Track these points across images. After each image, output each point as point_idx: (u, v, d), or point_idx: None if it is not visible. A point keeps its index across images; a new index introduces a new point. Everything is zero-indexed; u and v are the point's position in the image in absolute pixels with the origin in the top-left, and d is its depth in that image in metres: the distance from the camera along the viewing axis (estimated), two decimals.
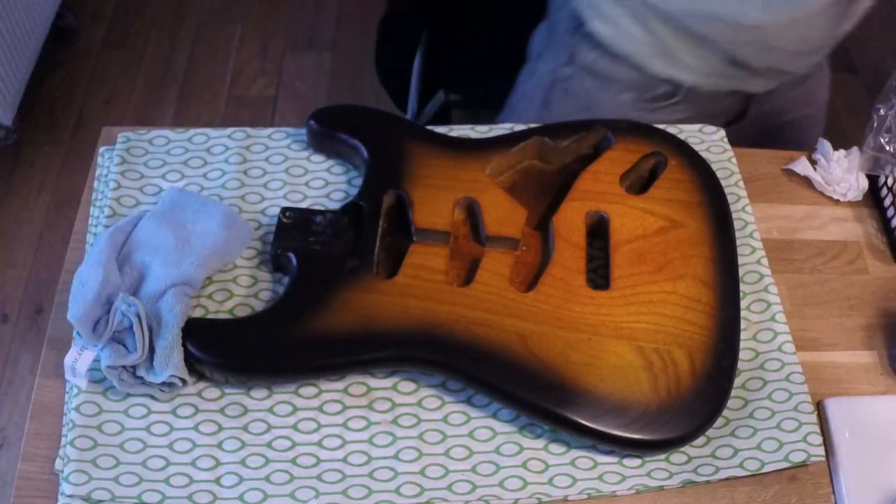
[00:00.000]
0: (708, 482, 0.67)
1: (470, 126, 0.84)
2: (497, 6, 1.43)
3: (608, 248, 0.73)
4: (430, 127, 0.81)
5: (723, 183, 0.80)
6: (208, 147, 0.80)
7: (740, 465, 0.67)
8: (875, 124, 0.85)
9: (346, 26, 2.12)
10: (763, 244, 0.80)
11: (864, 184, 0.86)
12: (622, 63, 0.91)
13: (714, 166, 0.81)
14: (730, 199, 0.79)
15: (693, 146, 0.82)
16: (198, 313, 0.70)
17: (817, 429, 0.69)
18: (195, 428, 0.65)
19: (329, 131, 0.79)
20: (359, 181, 0.78)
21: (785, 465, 0.67)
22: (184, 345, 0.64)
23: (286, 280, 0.71)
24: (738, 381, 0.71)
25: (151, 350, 0.64)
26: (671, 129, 0.85)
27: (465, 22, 1.41)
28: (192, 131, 0.81)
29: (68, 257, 0.74)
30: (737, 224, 0.79)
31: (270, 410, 0.66)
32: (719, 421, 0.68)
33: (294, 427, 0.66)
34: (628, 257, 0.72)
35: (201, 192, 0.77)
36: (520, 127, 0.82)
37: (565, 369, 0.65)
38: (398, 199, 0.74)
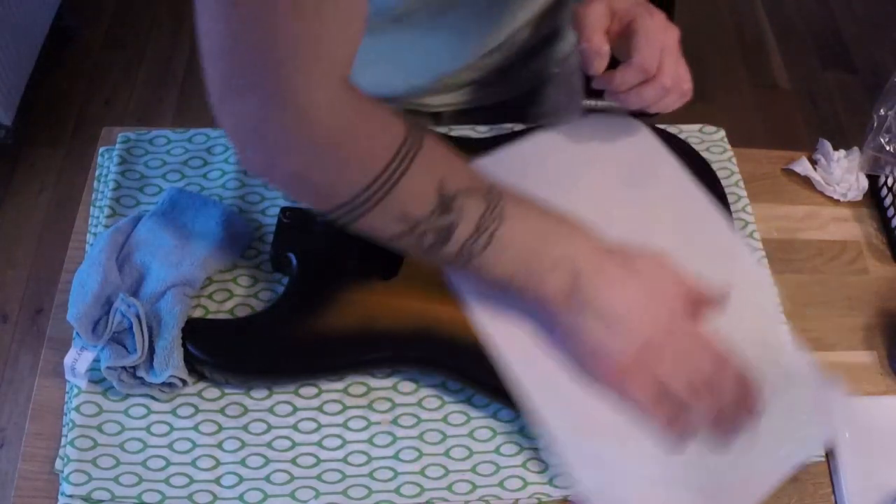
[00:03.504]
0: None
1: (470, 126, 0.84)
2: None
3: None
4: (429, 127, 0.81)
5: (723, 183, 0.79)
6: (208, 147, 0.80)
7: None
8: (875, 124, 0.85)
9: None
10: (763, 244, 0.80)
11: (864, 184, 0.86)
12: None
13: (714, 166, 0.81)
14: (730, 199, 0.79)
15: (693, 146, 0.81)
16: (198, 313, 0.70)
17: None
18: (195, 428, 0.65)
19: None
20: None
21: None
22: (184, 345, 0.64)
23: (286, 280, 0.71)
24: None
25: (151, 350, 0.64)
26: (671, 129, 0.85)
27: None
28: (192, 131, 0.81)
29: (68, 257, 0.74)
30: (737, 224, 0.79)
31: (270, 410, 0.66)
32: None
33: (294, 427, 0.66)
34: None
35: (201, 192, 0.77)
36: (520, 127, 0.82)
37: None
38: None
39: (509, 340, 0.62)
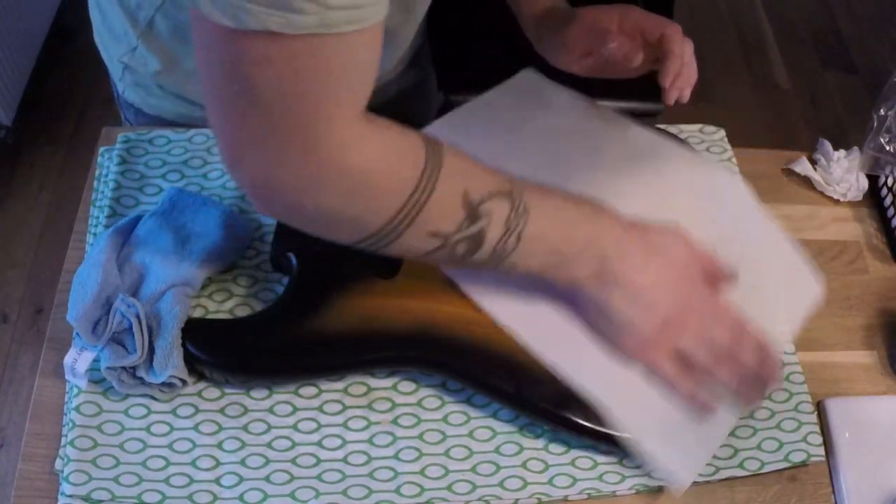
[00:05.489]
0: (708, 482, 0.67)
1: None
2: (497, 7, 1.43)
3: None
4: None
5: None
6: (208, 147, 0.80)
7: (740, 465, 0.67)
8: (875, 124, 0.85)
9: None
10: None
11: (864, 184, 0.86)
12: None
13: None
14: None
15: (693, 146, 0.82)
16: (198, 313, 0.70)
17: (817, 429, 0.69)
18: (195, 428, 0.65)
19: None
20: None
21: (785, 465, 0.67)
22: (184, 345, 0.64)
23: (286, 280, 0.71)
24: None
25: (151, 351, 0.64)
26: (671, 129, 0.85)
27: (465, 23, 1.41)
28: (192, 131, 0.81)
29: (68, 257, 0.74)
30: None
31: (270, 410, 0.66)
32: None
33: (294, 427, 0.66)
34: None
35: (201, 192, 0.77)
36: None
37: None
38: None
39: (531, 326, 0.66)
